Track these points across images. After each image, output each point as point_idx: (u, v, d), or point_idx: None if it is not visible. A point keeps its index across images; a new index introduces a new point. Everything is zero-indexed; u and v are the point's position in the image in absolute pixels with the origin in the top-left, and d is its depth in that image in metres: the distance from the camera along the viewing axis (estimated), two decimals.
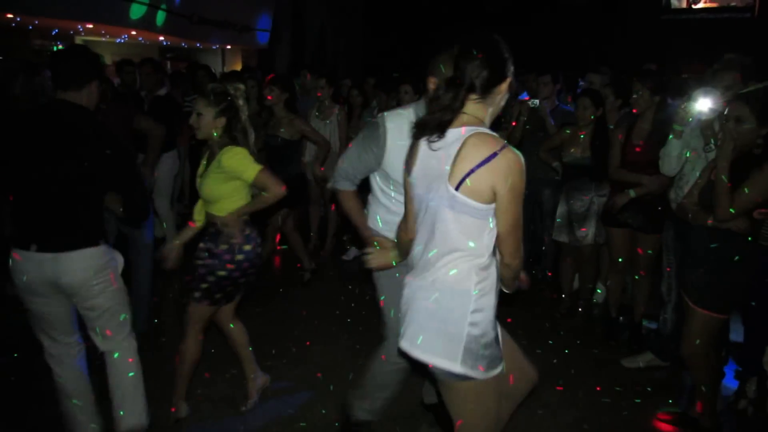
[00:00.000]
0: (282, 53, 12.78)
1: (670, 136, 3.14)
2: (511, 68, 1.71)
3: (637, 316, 3.75)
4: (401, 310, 1.81)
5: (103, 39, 10.73)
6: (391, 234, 2.25)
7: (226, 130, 2.62)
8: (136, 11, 8.81)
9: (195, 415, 2.82)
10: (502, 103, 1.76)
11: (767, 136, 2.43)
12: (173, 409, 2.75)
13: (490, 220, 1.66)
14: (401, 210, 1.98)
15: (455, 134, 1.65)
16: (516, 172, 1.61)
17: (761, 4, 9.33)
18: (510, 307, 3.18)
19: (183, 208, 5.90)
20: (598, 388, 3.20)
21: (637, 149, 3.48)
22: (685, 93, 3.18)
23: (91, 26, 8.99)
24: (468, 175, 1.59)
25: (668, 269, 3.29)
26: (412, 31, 12.10)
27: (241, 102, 2.65)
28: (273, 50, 12.71)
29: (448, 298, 1.68)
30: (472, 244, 1.67)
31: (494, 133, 1.67)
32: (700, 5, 10.02)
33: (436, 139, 1.67)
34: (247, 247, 2.63)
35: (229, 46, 12.70)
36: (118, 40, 10.89)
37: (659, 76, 3.62)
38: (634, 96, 3.47)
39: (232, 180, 2.57)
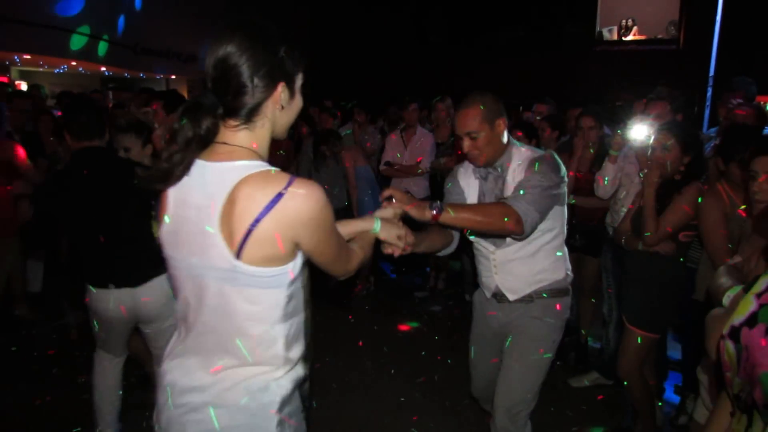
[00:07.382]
0: None
1: (605, 161, 3.31)
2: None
3: (583, 337, 3.87)
4: None
5: (41, 69, 10.41)
6: None
7: (154, 156, 2.72)
8: (77, 42, 8.63)
9: None
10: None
11: (689, 164, 2.59)
12: None
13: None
14: None
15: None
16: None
17: (685, 37, 10.00)
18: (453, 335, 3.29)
19: None
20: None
21: (578, 175, 3.61)
22: (618, 120, 3.34)
23: (28, 57, 8.72)
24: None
25: (609, 290, 3.42)
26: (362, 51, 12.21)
27: (155, 125, 2.80)
28: None
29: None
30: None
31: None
32: (630, 37, 10.64)
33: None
34: None
35: (173, 76, 12.53)
36: (56, 71, 10.58)
37: (604, 112, 3.76)
38: (585, 128, 3.54)
39: None
